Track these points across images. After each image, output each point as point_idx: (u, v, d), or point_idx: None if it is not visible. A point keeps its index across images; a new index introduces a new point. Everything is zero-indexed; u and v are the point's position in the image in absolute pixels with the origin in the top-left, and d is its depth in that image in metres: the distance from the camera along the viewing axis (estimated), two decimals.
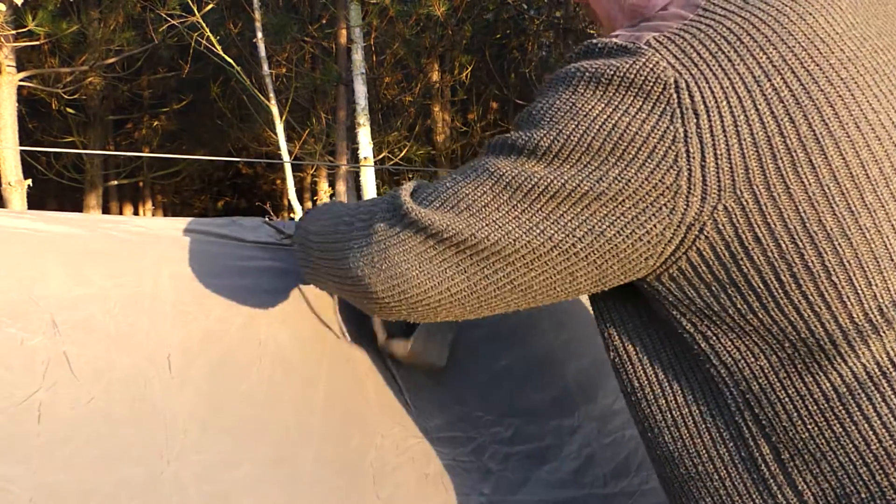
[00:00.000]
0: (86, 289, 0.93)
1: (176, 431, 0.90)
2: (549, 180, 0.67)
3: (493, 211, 0.69)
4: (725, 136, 0.65)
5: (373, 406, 1.04)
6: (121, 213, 13.43)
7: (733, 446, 0.72)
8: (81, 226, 0.97)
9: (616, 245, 0.68)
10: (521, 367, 1.20)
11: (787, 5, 0.70)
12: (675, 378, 0.75)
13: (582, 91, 0.68)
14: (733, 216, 0.65)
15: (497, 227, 0.69)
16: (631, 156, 0.65)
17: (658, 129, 0.65)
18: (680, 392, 0.75)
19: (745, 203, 0.65)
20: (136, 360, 0.92)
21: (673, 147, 0.65)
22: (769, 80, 0.66)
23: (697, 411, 0.74)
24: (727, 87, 0.65)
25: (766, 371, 0.69)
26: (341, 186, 8.61)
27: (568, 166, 0.67)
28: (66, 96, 9.27)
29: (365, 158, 7.34)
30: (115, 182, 12.48)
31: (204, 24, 7.64)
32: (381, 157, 9.46)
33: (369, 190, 7.34)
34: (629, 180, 0.65)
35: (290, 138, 8.89)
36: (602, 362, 1.28)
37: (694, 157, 0.65)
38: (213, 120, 11.79)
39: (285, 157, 8.13)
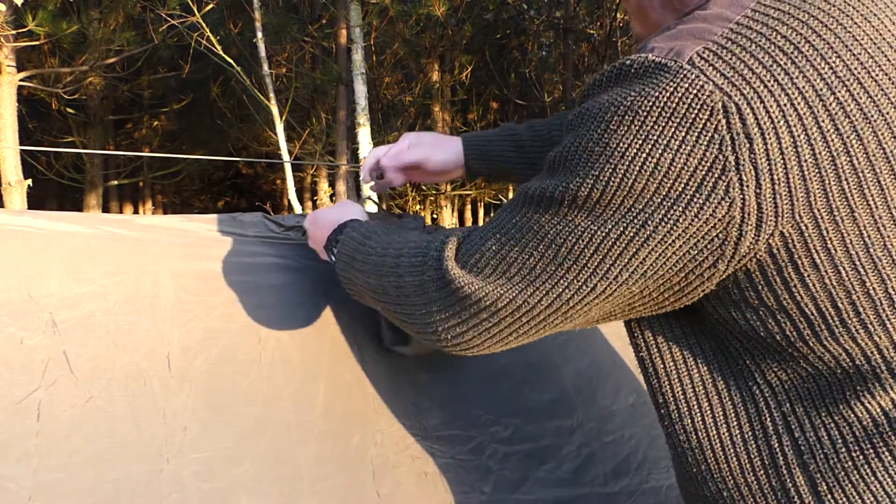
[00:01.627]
0: (85, 287, 0.93)
1: (175, 429, 0.90)
2: (592, 232, 0.63)
3: (541, 273, 0.66)
4: (784, 158, 0.59)
5: (373, 404, 1.04)
6: (121, 213, 13.40)
7: (763, 474, 0.69)
8: (81, 224, 0.97)
9: (669, 280, 0.65)
10: (520, 366, 1.20)
11: (850, 4, 0.63)
12: (712, 394, 0.71)
13: (615, 128, 0.61)
14: (790, 242, 0.61)
15: (548, 289, 0.66)
16: (677, 193, 0.60)
17: (706, 161, 0.59)
18: (712, 410, 0.71)
19: (804, 228, 0.60)
20: (135, 358, 0.92)
21: (723, 177, 0.59)
22: (833, 94, 0.60)
23: (728, 433, 0.70)
24: (785, 105, 0.59)
25: (814, 394, 0.66)
26: (341, 186, 8.61)
27: (609, 213, 0.62)
28: (66, 96, 9.26)
29: (364, 158, 7.32)
30: (115, 182, 12.47)
31: (204, 24, 7.64)
32: None
33: (369, 190, 7.32)
34: (677, 220, 0.61)
35: (290, 138, 8.89)
36: (601, 363, 1.28)
37: (748, 186, 0.59)
38: (213, 120, 11.78)
39: (285, 157, 8.13)
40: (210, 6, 8.07)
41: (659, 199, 0.61)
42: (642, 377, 0.77)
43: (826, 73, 0.60)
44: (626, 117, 0.61)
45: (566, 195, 0.64)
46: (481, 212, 16.82)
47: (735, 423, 0.70)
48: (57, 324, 0.90)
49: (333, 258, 0.94)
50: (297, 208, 8.20)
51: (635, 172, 0.61)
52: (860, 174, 0.60)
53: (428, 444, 1.06)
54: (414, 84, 10.43)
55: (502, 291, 0.68)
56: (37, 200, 10.53)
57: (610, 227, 0.62)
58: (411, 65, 10.45)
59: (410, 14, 8.86)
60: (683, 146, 0.59)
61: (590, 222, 0.63)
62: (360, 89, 7.30)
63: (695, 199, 0.60)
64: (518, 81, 11.33)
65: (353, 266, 0.88)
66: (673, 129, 0.60)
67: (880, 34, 0.63)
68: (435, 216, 12.20)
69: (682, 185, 0.60)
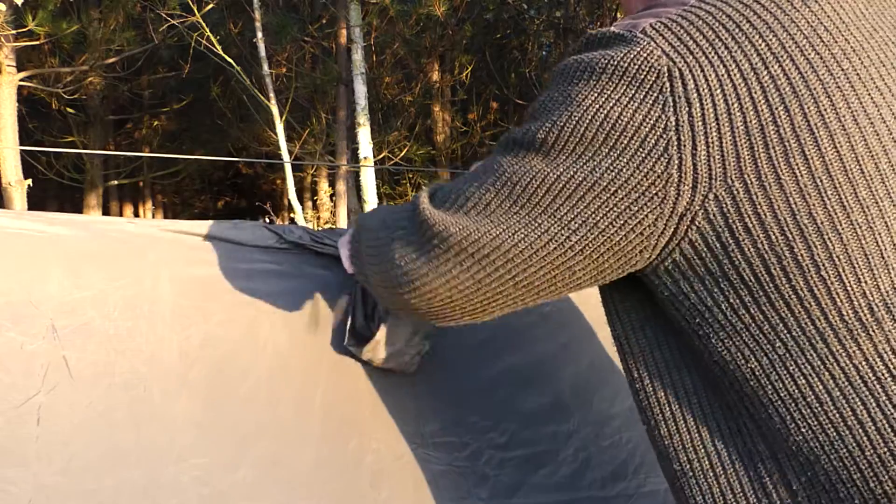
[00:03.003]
0: (85, 292, 0.94)
1: (175, 434, 0.90)
2: (545, 173, 0.68)
3: (495, 209, 0.71)
4: (718, 124, 0.64)
5: (370, 410, 1.05)
6: (121, 213, 13.43)
7: (731, 442, 0.72)
8: (81, 227, 0.97)
9: (610, 237, 0.68)
10: (516, 372, 1.21)
11: None
12: (676, 371, 0.75)
13: (576, 82, 0.68)
14: (724, 206, 0.65)
15: (498, 224, 0.70)
16: (623, 145, 0.66)
17: (650, 118, 0.65)
18: (680, 386, 0.75)
19: (735, 192, 0.65)
20: (134, 364, 0.92)
21: (664, 135, 0.65)
22: (766, 68, 0.65)
23: (696, 405, 0.74)
24: (723, 75, 0.65)
25: (758, 372, 0.68)
26: (341, 186, 8.61)
27: (563, 157, 0.68)
28: (66, 96, 9.26)
29: (365, 158, 7.33)
30: (116, 182, 12.47)
31: (204, 24, 7.64)
32: (381, 157, 9.45)
33: (369, 190, 7.33)
34: (621, 170, 0.66)
35: (290, 138, 8.89)
36: (598, 367, 1.28)
37: (685, 146, 0.64)
38: (213, 120, 11.78)
39: (285, 157, 8.13)
40: (210, 6, 8.07)
41: (606, 149, 0.66)
42: (620, 357, 0.81)
43: (762, 49, 0.66)
44: (586, 73, 0.68)
45: (525, 138, 0.71)
46: None
47: (701, 396, 0.74)
48: (57, 329, 0.90)
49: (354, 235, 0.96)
50: (297, 208, 8.20)
51: (587, 120, 0.67)
52: (786, 144, 0.64)
53: (425, 451, 1.06)
54: (414, 84, 10.43)
55: (457, 221, 0.72)
56: (37, 200, 10.53)
57: (561, 169, 0.68)
58: (411, 65, 10.45)
59: (410, 14, 8.86)
60: (632, 102, 0.65)
61: (544, 164, 0.69)
62: (360, 89, 7.30)
63: (638, 153, 0.65)
64: (518, 81, 11.33)
65: (365, 227, 0.91)
66: (624, 87, 0.66)
67: (818, 18, 0.68)
68: None
69: (628, 138, 0.66)
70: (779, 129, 0.64)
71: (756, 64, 0.65)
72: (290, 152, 8.59)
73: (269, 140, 9.60)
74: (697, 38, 0.66)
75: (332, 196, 9.24)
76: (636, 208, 0.67)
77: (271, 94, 7.91)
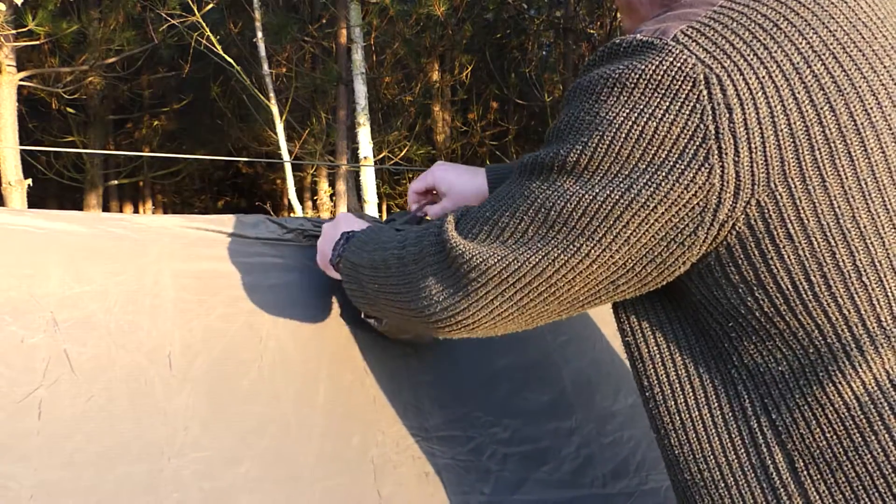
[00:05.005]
0: (86, 286, 0.93)
1: (177, 429, 0.90)
2: (580, 196, 0.66)
3: (532, 236, 0.69)
4: (761, 128, 0.62)
5: (373, 404, 1.04)
6: (121, 212, 13.43)
7: (744, 453, 0.70)
8: (82, 223, 0.97)
9: (652, 251, 0.67)
10: (519, 368, 1.20)
11: None
12: (693, 377, 0.73)
13: (605, 98, 0.65)
14: (766, 211, 0.63)
15: (537, 251, 0.69)
16: (660, 160, 0.63)
17: (688, 129, 0.62)
18: (694, 393, 0.73)
19: (778, 197, 0.63)
20: (136, 357, 0.92)
21: (704, 145, 0.62)
22: (809, 67, 0.63)
23: (710, 414, 0.72)
24: (763, 77, 0.62)
25: (787, 376, 0.67)
26: (341, 186, 8.61)
27: (597, 178, 0.65)
28: (66, 96, 9.27)
29: (365, 158, 7.33)
30: (116, 182, 12.48)
31: (204, 24, 7.64)
32: (381, 156, 9.46)
33: (369, 190, 7.34)
34: (659, 185, 0.63)
35: (290, 138, 8.90)
36: (600, 364, 1.28)
37: (727, 154, 0.62)
38: (213, 120, 11.79)
39: (285, 156, 8.13)
40: (210, 6, 8.08)
41: (643, 165, 0.64)
42: (629, 362, 0.79)
43: (803, 47, 0.63)
44: (615, 88, 0.65)
45: (556, 161, 0.68)
46: None
47: (716, 404, 0.72)
48: (58, 323, 0.90)
49: (342, 249, 0.96)
50: (298, 208, 8.21)
51: (622, 139, 0.64)
52: (832, 145, 0.62)
53: (428, 445, 1.06)
54: (414, 84, 10.44)
55: (494, 252, 0.70)
56: (37, 200, 10.53)
57: (597, 190, 0.65)
58: (411, 65, 10.46)
59: (410, 14, 8.87)
60: (667, 115, 0.63)
61: (578, 186, 0.66)
62: (360, 89, 7.30)
63: (676, 166, 0.63)
64: (518, 81, 11.34)
65: (364, 249, 0.90)
66: (658, 99, 0.63)
67: (856, 14, 0.66)
68: None
69: (665, 152, 0.63)
70: (824, 130, 0.62)
71: (798, 63, 0.63)
72: (290, 152, 8.60)
73: (269, 140, 9.61)
74: (734, 40, 0.63)
75: (332, 196, 9.24)
76: (677, 221, 0.65)
77: (271, 94, 7.92)
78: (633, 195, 0.64)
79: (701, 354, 0.73)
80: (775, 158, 0.62)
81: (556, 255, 0.68)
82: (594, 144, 0.65)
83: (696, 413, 0.73)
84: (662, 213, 0.64)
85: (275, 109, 7.92)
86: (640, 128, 0.63)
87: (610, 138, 0.64)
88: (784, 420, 0.68)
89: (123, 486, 0.85)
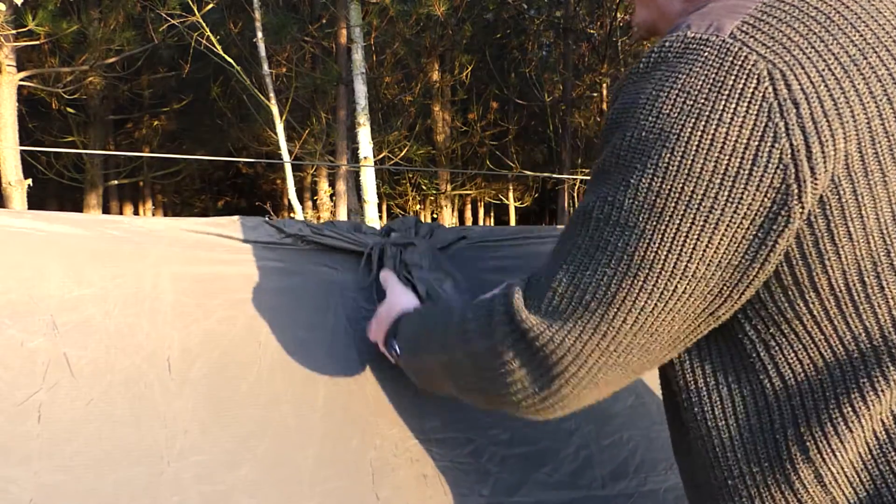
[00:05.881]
0: (86, 289, 0.93)
1: (176, 432, 0.90)
2: (661, 232, 0.62)
3: (618, 289, 0.64)
4: (828, 121, 0.59)
5: (372, 407, 1.04)
6: (121, 212, 13.43)
7: (769, 466, 0.67)
8: (82, 225, 0.97)
9: (741, 265, 0.63)
10: None
11: None
12: (722, 386, 0.70)
13: (668, 112, 0.61)
14: (827, 208, 0.60)
15: (630, 304, 0.64)
16: (735, 169, 0.60)
17: (757, 130, 0.59)
18: (721, 402, 0.70)
19: (841, 193, 0.60)
20: (135, 361, 0.92)
21: (776, 145, 0.59)
22: (865, 59, 0.61)
23: (736, 424, 0.69)
24: (823, 71, 0.60)
25: (826, 385, 0.64)
26: (341, 186, 8.62)
27: (675, 206, 0.61)
28: (66, 96, 9.27)
29: (365, 158, 7.34)
30: (115, 182, 12.48)
31: (204, 24, 7.64)
32: (381, 156, 9.46)
33: (369, 190, 7.34)
34: (741, 198, 0.60)
35: (290, 138, 8.90)
36: None
37: (798, 151, 0.59)
38: (213, 120, 11.80)
39: (285, 156, 8.14)
40: (210, 6, 8.08)
41: (718, 180, 0.60)
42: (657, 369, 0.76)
43: (857, 40, 0.62)
44: (678, 99, 0.61)
45: (626, 196, 0.63)
46: (481, 211, 16.82)
47: (744, 414, 0.69)
48: (57, 326, 0.90)
49: (396, 350, 0.91)
50: (298, 208, 8.21)
51: (693, 153, 0.60)
52: (891, 137, 0.61)
53: (427, 447, 1.06)
54: (414, 84, 10.45)
55: (584, 323, 0.65)
56: (37, 200, 10.53)
57: (678, 222, 0.61)
58: (411, 65, 10.47)
59: (410, 14, 8.87)
60: (735, 118, 0.60)
61: (656, 221, 0.62)
62: (360, 89, 7.30)
63: (754, 172, 0.60)
64: (518, 81, 11.35)
65: (419, 349, 0.85)
66: (724, 102, 0.60)
67: None
68: (435, 216, 12.21)
69: (739, 159, 0.60)
70: (883, 122, 0.61)
71: (854, 55, 0.61)
72: (290, 152, 8.60)
73: (269, 140, 9.62)
74: (791, 34, 0.61)
75: (332, 196, 9.25)
76: (762, 233, 0.61)
77: (271, 94, 7.92)
78: (717, 216, 0.61)
79: (731, 365, 0.70)
80: (840, 152, 0.60)
81: (650, 304, 0.63)
82: (665, 164, 0.61)
83: (725, 422, 0.70)
84: (748, 228, 0.61)
85: (275, 109, 7.92)
86: (709, 137, 0.60)
87: (681, 154, 0.60)
88: (814, 432, 0.65)
89: (123, 490, 0.85)
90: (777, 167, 0.59)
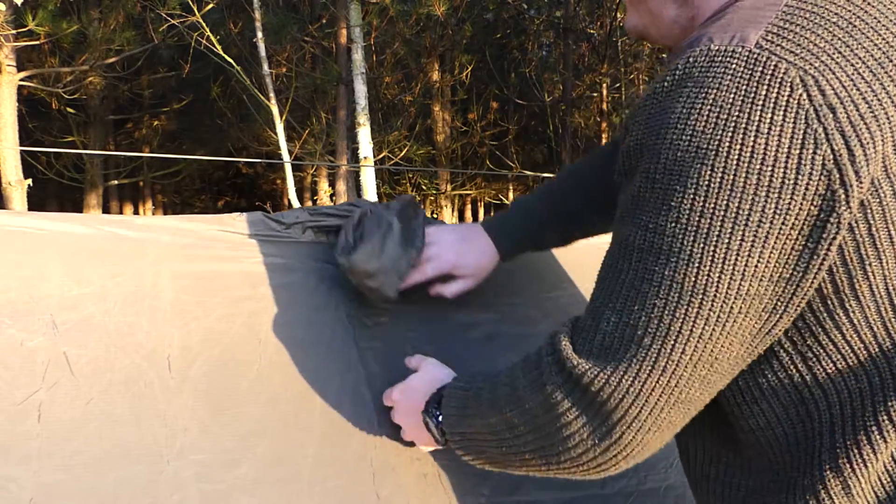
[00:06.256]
0: (85, 288, 0.93)
1: (176, 431, 0.90)
2: (711, 254, 0.60)
3: (672, 322, 0.62)
4: (866, 124, 0.59)
5: (372, 405, 1.04)
6: (121, 212, 13.44)
7: (800, 473, 0.67)
8: (81, 224, 0.97)
9: (793, 279, 0.62)
10: None
11: None
12: (759, 401, 0.68)
13: (702, 129, 0.60)
14: (868, 212, 0.60)
15: (686, 335, 0.62)
16: (779, 180, 0.59)
17: (797, 137, 0.58)
18: (763, 413, 0.69)
19: (882, 196, 0.60)
20: (135, 359, 0.92)
21: (818, 151, 0.58)
22: (891, 61, 0.61)
23: (784, 430, 0.68)
24: (853, 75, 0.60)
25: (865, 394, 0.63)
26: (341, 186, 8.61)
27: (720, 223, 0.60)
28: (66, 96, 9.27)
29: (365, 158, 7.33)
30: (115, 182, 12.48)
31: (204, 24, 7.64)
32: (381, 156, 9.46)
33: (369, 190, 7.34)
34: (788, 209, 0.59)
35: (290, 138, 8.90)
36: None
37: (841, 155, 0.58)
38: (213, 120, 11.79)
39: (285, 156, 8.13)
40: (210, 6, 8.08)
41: (764, 192, 0.59)
42: None
43: (880, 43, 0.62)
44: (711, 114, 0.60)
45: (668, 220, 0.61)
46: (481, 212, 16.82)
47: (787, 421, 0.67)
48: (57, 325, 0.90)
49: (439, 418, 0.87)
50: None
51: (734, 168, 0.59)
52: None
53: None
54: (414, 84, 10.44)
55: (641, 360, 0.63)
56: (37, 200, 10.54)
57: (727, 240, 0.60)
58: (411, 65, 10.46)
59: (410, 14, 8.87)
60: (773, 127, 0.58)
61: (703, 243, 0.60)
62: (360, 89, 7.30)
63: (799, 181, 0.58)
64: (518, 81, 11.34)
65: (467, 415, 0.81)
66: (759, 113, 0.59)
67: None
68: (435, 215, 12.20)
69: (783, 169, 0.58)
70: None
71: (880, 58, 0.61)
72: (290, 152, 8.60)
73: (269, 140, 9.61)
74: (816, 40, 0.60)
75: (332, 196, 9.24)
76: (810, 242, 0.60)
77: (271, 94, 7.91)
78: (767, 228, 0.59)
79: (769, 376, 0.68)
80: (878, 154, 0.59)
81: (707, 330, 0.61)
82: (706, 183, 0.59)
83: (763, 432, 0.69)
84: (797, 239, 0.60)
85: (275, 109, 7.92)
86: (749, 149, 0.58)
87: (722, 170, 0.59)
88: (846, 440, 0.64)
89: (123, 488, 0.85)
90: (821, 173, 0.58)
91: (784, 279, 0.61)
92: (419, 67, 10.40)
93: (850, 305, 0.62)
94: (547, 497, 1.10)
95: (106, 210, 12.25)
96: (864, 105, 0.59)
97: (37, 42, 7.92)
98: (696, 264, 0.60)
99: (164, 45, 9.37)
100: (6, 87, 7.42)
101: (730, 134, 0.59)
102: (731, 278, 0.60)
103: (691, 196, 0.60)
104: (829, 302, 0.62)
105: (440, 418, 0.86)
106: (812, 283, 0.62)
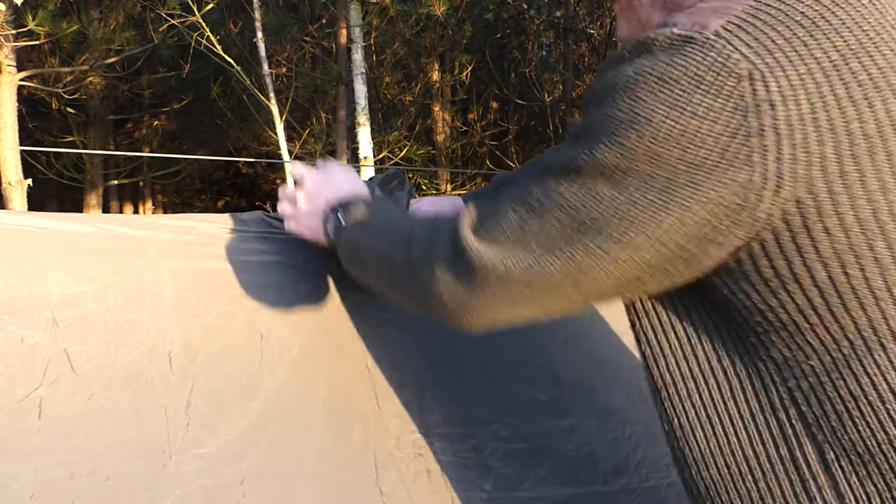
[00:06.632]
0: (86, 286, 0.93)
1: (177, 426, 0.90)
2: (616, 201, 0.65)
3: (562, 245, 0.67)
4: (803, 124, 0.61)
5: (374, 401, 1.04)
6: (121, 212, 13.43)
7: (773, 445, 0.69)
8: (81, 222, 0.97)
9: (685, 249, 0.66)
10: (520, 365, 1.20)
11: None
12: (717, 371, 0.72)
13: (643, 97, 0.63)
14: (804, 206, 0.62)
15: (566, 256, 0.67)
16: (701, 160, 0.62)
17: (730, 127, 0.61)
18: (719, 387, 0.72)
19: (817, 192, 0.62)
20: (136, 356, 0.92)
21: (747, 143, 0.61)
22: (847, 65, 0.63)
23: (736, 407, 0.71)
24: (804, 74, 0.62)
25: (818, 370, 0.66)
26: None
27: (634, 180, 0.64)
28: (66, 96, 9.27)
29: (365, 158, 7.33)
30: (115, 182, 12.48)
31: (204, 24, 7.64)
32: (381, 156, 9.46)
33: None
34: (699, 186, 0.63)
35: (290, 138, 8.89)
36: (602, 361, 1.28)
37: (769, 151, 0.61)
38: (213, 120, 11.79)
39: (285, 156, 8.13)
40: (210, 6, 8.08)
41: (683, 166, 0.62)
42: (642, 358, 0.77)
43: (840, 45, 0.63)
44: (655, 86, 0.63)
45: (589, 164, 0.66)
46: None
47: (742, 397, 0.71)
48: (57, 322, 0.90)
49: (340, 221, 0.93)
50: None
51: (661, 139, 0.62)
52: (870, 140, 0.62)
53: (429, 442, 1.06)
54: (414, 84, 10.44)
55: (518, 260, 0.69)
56: (37, 200, 10.53)
57: (635, 195, 0.64)
58: (411, 65, 10.46)
59: (410, 14, 8.87)
60: (710, 113, 0.61)
61: (614, 190, 0.65)
62: (360, 89, 7.30)
63: (719, 166, 0.62)
64: (518, 81, 11.34)
65: (363, 232, 0.89)
66: (701, 97, 0.62)
67: (884, 16, 0.66)
68: None
69: (707, 152, 0.62)
70: (863, 126, 0.62)
71: (836, 60, 0.63)
72: (290, 152, 8.59)
73: (269, 140, 9.61)
74: (774, 37, 0.63)
75: None
76: (714, 221, 0.64)
77: (271, 94, 7.91)
78: (671, 197, 0.63)
79: (724, 347, 0.72)
80: (816, 155, 0.62)
81: (584, 259, 0.67)
82: (632, 145, 0.63)
83: (724, 406, 0.72)
84: (700, 214, 0.63)
85: (275, 109, 7.92)
86: (681, 127, 0.62)
87: (649, 138, 0.63)
88: (814, 412, 0.67)
89: (124, 484, 0.85)
90: (745, 164, 0.61)
91: (678, 245, 0.65)
92: (419, 67, 10.40)
93: (792, 288, 0.65)
94: (549, 493, 1.10)
95: (106, 210, 12.25)
96: (808, 105, 0.61)
97: (37, 42, 7.92)
98: (601, 204, 0.65)
99: (164, 45, 9.37)
100: (6, 87, 7.42)
101: (667, 108, 0.62)
102: (626, 227, 0.65)
103: (616, 153, 0.64)
104: (772, 283, 0.66)
105: (342, 222, 0.93)
106: (706, 264, 0.67)
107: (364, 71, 7.35)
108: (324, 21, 9.21)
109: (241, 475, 0.91)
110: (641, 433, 1.23)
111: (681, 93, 0.62)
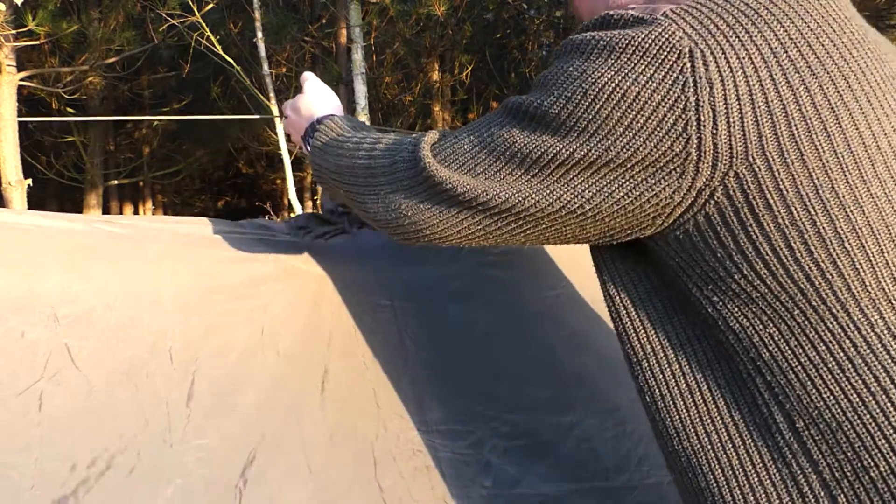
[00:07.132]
0: (86, 284, 0.93)
1: (178, 419, 0.90)
2: (558, 149, 0.70)
3: (506, 176, 0.73)
4: (740, 104, 0.66)
5: (374, 398, 1.04)
6: (121, 212, 13.43)
7: (748, 412, 0.72)
8: (81, 222, 0.98)
9: (625, 206, 0.71)
10: (520, 362, 1.20)
11: None
12: (686, 345, 0.76)
13: (594, 59, 0.69)
14: (744, 183, 0.67)
15: (510, 190, 0.73)
16: (640, 124, 0.67)
17: (668, 98, 0.66)
18: (689, 360, 0.75)
19: (757, 170, 0.66)
20: (137, 351, 0.92)
21: (683, 116, 0.66)
22: (786, 52, 0.68)
23: (713, 376, 0.74)
24: (744, 57, 0.67)
25: (777, 339, 0.69)
26: None
27: (576, 134, 0.69)
28: (66, 96, 9.27)
29: None
30: (115, 182, 12.48)
31: (204, 24, 7.64)
32: None
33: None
34: (637, 148, 0.67)
35: (290, 138, 8.88)
36: (602, 357, 1.28)
37: (705, 126, 0.66)
38: (213, 120, 11.78)
39: (285, 156, 8.14)
40: (210, 6, 8.07)
41: (622, 128, 0.68)
42: (618, 332, 0.81)
43: (781, 34, 0.68)
44: (605, 51, 0.69)
45: (538, 112, 0.72)
46: None
47: (712, 369, 0.74)
48: (58, 318, 0.90)
49: (314, 137, 1.00)
50: (298, 208, 8.21)
51: (604, 99, 0.68)
52: (808, 121, 0.67)
53: (429, 438, 1.06)
54: (414, 84, 10.44)
55: (467, 185, 0.75)
56: (37, 200, 10.54)
57: (575, 146, 0.69)
58: (411, 65, 10.46)
59: (410, 14, 8.87)
60: (651, 82, 0.67)
61: (556, 140, 0.70)
62: (360, 89, 7.30)
63: (656, 132, 0.67)
64: (518, 81, 11.34)
65: (329, 148, 0.95)
66: (643, 66, 0.67)
67: (826, 10, 0.71)
68: None
69: (645, 118, 0.67)
70: (801, 107, 0.66)
71: (776, 48, 0.67)
72: (290, 152, 8.59)
73: (269, 140, 9.61)
74: (718, 22, 0.68)
75: None
76: (652, 182, 0.69)
77: (271, 94, 7.91)
78: (611, 155, 0.68)
79: (688, 324, 0.76)
80: (753, 133, 0.66)
81: (527, 193, 0.72)
82: (577, 100, 0.69)
83: (697, 377, 0.75)
84: (638, 173, 0.69)
85: (275, 109, 7.92)
86: (622, 90, 0.67)
87: (593, 97, 0.68)
88: (778, 381, 0.70)
89: (125, 475, 0.85)
90: (681, 135, 0.66)
91: (612, 199, 0.70)
92: (419, 67, 10.40)
93: (738, 259, 0.69)
94: (549, 489, 1.10)
95: (106, 210, 12.25)
96: (745, 86, 0.66)
97: (37, 42, 7.92)
98: (541, 151, 0.71)
99: (164, 45, 9.37)
100: (6, 87, 7.42)
101: (613, 73, 0.68)
102: (563, 174, 0.71)
103: (561, 104, 0.70)
104: (719, 254, 0.70)
105: (311, 139, 1.01)
106: (650, 220, 0.71)
107: (364, 71, 7.35)
108: (324, 21, 9.21)
109: (241, 468, 0.91)
110: (643, 430, 1.23)
111: (626, 61, 0.68)
